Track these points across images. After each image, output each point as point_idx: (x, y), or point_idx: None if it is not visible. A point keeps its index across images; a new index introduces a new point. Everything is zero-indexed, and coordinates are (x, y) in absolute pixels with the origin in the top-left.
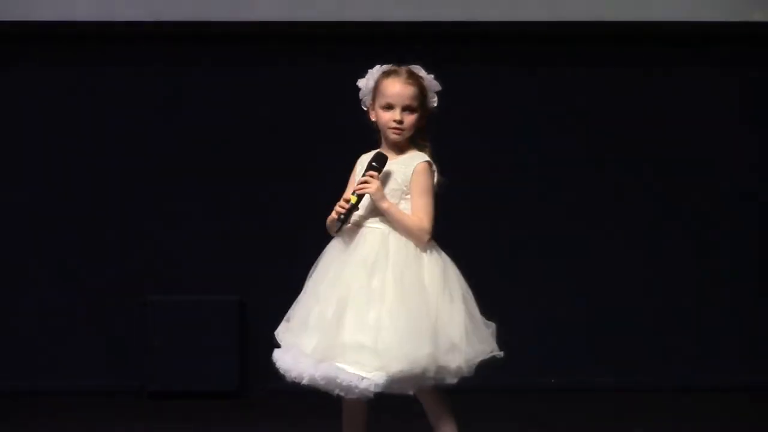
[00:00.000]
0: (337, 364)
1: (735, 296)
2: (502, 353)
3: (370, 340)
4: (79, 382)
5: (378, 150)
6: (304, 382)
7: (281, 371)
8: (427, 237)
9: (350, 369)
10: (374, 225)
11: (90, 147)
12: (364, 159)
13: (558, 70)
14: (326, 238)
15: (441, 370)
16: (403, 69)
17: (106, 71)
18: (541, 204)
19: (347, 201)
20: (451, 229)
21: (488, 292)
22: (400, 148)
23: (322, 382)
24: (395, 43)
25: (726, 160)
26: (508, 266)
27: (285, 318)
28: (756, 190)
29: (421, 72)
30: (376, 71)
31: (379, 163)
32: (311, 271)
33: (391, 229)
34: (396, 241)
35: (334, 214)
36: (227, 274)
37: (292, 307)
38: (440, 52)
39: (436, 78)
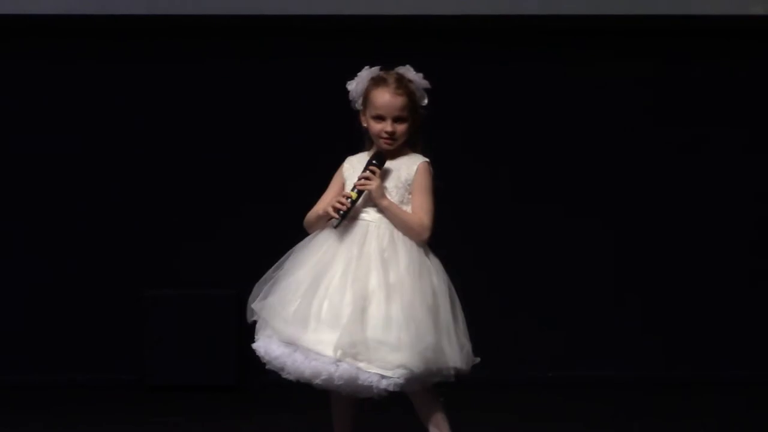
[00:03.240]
0: (358, 364)
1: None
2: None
3: (393, 337)
4: (77, 376)
5: (377, 150)
6: (319, 381)
7: (277, 364)
8: (427, 234)
9: (372, 369)
10: (377, 219)
11: (85, 140)
12: (354, 160)
13: (559, 64)
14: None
15: (450, 368)
16: (392, 77)
17: (99, 64)
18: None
19: (347, 197)
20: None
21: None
22: (393, 152)
23: (339, 382)
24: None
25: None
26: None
27: (264, 298)
28: None
29: (410, 74)
30: (365, 75)
31: (379, 161)
32: (293, 254)
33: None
34: (404, 237)
35: (331, 211)
36: (225, 268)
37: (276, 289)
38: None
39: (426, 75)
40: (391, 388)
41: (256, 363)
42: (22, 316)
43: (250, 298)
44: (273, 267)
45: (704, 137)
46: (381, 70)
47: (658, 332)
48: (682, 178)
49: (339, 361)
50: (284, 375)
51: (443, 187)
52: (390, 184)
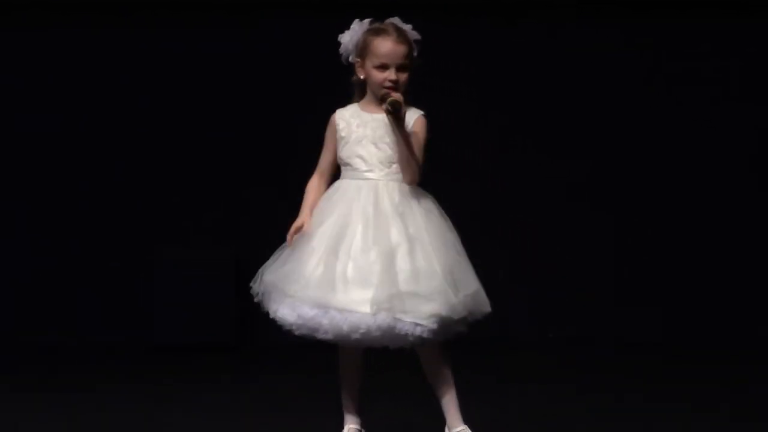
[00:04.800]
0: (395, 315)
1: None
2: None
3: (423, 288)
4: (79, 336)
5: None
6: (357, 335)
7: (311, 325)
8: (419, 179)
9: (407, 318)
10: (384, 176)
11: (93, 105)
12: (346, 114)
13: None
14: None
15: (471, 315)
16: (391, 26)
17: (101, 42)
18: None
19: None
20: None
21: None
22: None
23: (377, 333)
24: None
25: None
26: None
27: (274, 273)
28: None
29: (403, 25)
30: (359, 27)
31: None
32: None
33: (399, 179)
34: (413, 189)
35: (392, 93)
36: (225, 230)
37: (284, 260)
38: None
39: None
40: (425, 335)
41: (254, 324)
42: (25, 276)
43: (259, 273)
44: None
45: (708, 106)
46: (372, 22)
47: (657, 300)
48: (689, 154)
49: (377, 314)
50: (319, 335)
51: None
52: (387, 137)
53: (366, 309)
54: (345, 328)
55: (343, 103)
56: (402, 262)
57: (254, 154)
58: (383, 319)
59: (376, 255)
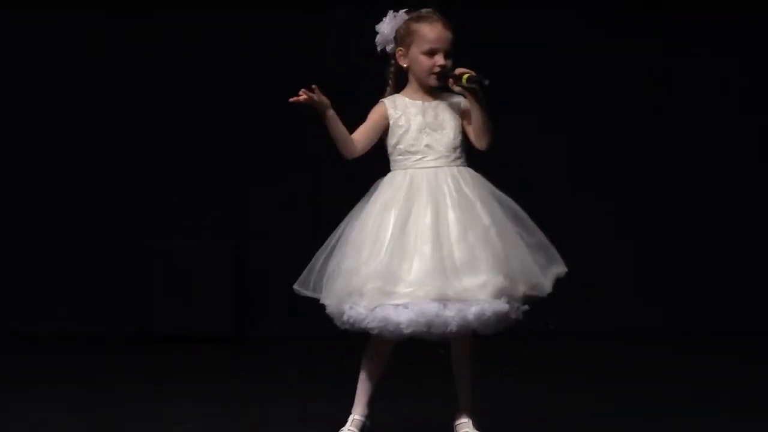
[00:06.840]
0: (507, 299)
1: None
2: None
3: (517, 268)
4: (77, 326)
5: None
6: (478, 323)
7: (437, 321)
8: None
9: (515, 301)
10: (451, 162)
11: (93, 105)
12: (397, 102)
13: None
14: (323, 183)
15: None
16: (435, 13)
17: (102, 42)
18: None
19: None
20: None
21: None
22: (431, 92)
23: (493, 319)
24: None
25: None
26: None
27: (358, 272)
28: None
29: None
30: (400, 16)
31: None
32: (362, 221)
33: (461, 164)
34: (472, 172)
35: (462, 71)
36: (224, 218)
37: (367, 259)
38: None
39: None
40: (521, 317)
41: (254, 315)
42: (22, 266)
43: (312, 277)
44: (327, 243)
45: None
46: (409, 11)
47: (655, 288)
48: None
49: (493, 300)
50: (437, 330)
51: None
52: (447, 122)
53: (483, 295)
54: (470, 317)
55: (343, 100)
56: (498, 245)
57: (254, 153)
58: (499, 303)
59: (475, 239)
